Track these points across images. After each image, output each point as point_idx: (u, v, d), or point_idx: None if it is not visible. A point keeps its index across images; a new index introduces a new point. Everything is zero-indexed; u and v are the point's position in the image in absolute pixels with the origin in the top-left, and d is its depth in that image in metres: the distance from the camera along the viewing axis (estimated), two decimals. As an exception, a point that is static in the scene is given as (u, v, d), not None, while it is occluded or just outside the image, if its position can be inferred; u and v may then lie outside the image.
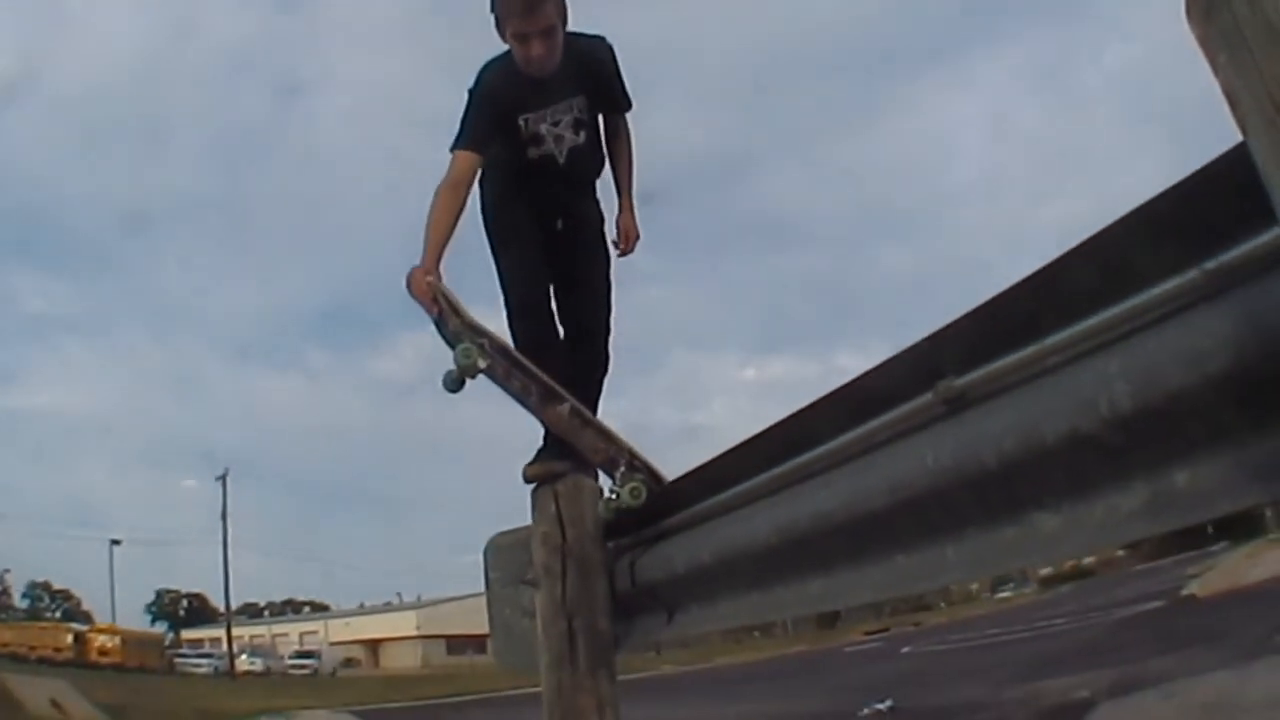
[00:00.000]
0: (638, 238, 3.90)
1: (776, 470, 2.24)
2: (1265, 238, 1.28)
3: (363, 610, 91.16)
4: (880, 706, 9.76)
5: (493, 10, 3.60)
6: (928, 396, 1.77)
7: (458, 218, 3.45)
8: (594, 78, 3.75)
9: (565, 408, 3.23)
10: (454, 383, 3.06)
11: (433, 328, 3.20)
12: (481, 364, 3.05)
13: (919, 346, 1.81)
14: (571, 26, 3.66)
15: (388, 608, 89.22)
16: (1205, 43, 1.21)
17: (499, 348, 3.16)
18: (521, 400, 3.22)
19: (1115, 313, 1.45)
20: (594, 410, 3.60)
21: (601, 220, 3.95)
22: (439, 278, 3.23)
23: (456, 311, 3.13)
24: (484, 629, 3.63)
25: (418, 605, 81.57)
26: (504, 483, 3.77)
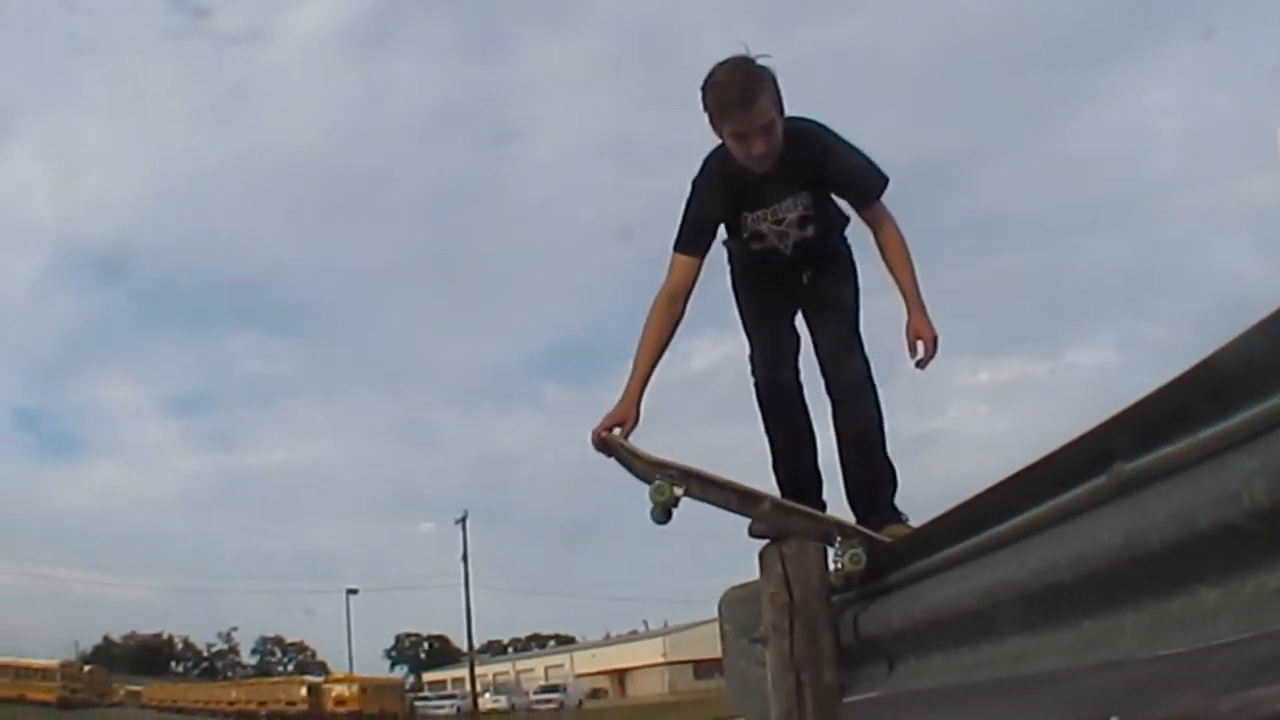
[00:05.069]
0: (934, 339, 3.58)
1: (975, 539, 2.46)
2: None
3: (609, 640, 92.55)
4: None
5: (705, 108, 3.46)
6: (1102, 479, 1.98)
7: (669, 335, 3.59)
8: (815, 169, 3.57)
9: (766, 505, 3.43)
10: (661, 515, 3.27)
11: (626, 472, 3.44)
12: (677, 492, 3.25)
13: (1095, 431, 2.00)
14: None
15: (633, 636, 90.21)
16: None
17: (685, 472, 3.33)
18: (726, 507, 3.40)
19: (1253, 413, 1.64)
20: (874, 456, 3.71)
21: (848, 260, 3.84)
22: (638, 410, 3.50)
23: (637, 455, 3.41)
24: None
25: (664, 632, 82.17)
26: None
